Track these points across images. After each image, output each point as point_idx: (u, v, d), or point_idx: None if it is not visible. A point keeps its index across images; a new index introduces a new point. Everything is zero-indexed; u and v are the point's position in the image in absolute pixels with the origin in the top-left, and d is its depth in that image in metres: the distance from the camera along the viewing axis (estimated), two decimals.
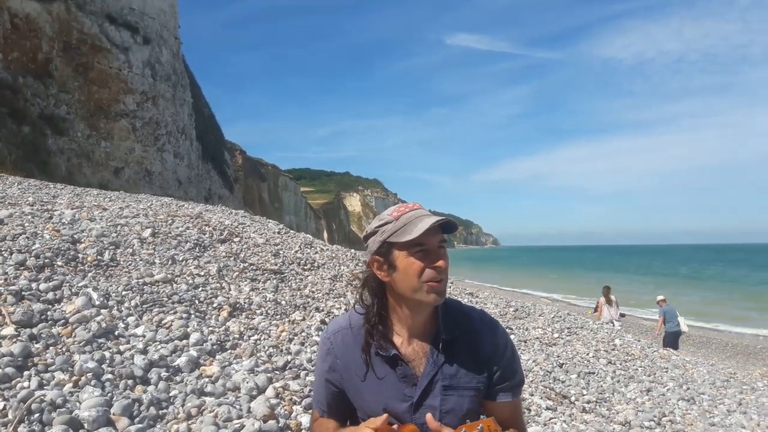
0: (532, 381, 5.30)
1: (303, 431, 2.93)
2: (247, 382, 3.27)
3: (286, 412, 3.10)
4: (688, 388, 6.41)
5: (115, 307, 3.95)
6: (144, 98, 25.36)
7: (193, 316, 4.19)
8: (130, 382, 2.99)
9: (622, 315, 14.72)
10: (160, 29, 27.40)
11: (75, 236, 5.24)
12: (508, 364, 1.63)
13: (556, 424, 4.27)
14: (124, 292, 4.24)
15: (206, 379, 3.27)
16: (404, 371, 1.56)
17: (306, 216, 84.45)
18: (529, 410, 4.45)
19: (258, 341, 4.10)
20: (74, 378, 2.86)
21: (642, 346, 8.48)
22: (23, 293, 3.72)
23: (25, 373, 2.82)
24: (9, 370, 2.77)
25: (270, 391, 3.26)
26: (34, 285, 3.90)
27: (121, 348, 3.36)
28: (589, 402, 5.12)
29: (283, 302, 5.18)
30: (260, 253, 6.68)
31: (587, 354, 7.00)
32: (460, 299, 1.77)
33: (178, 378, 3.22)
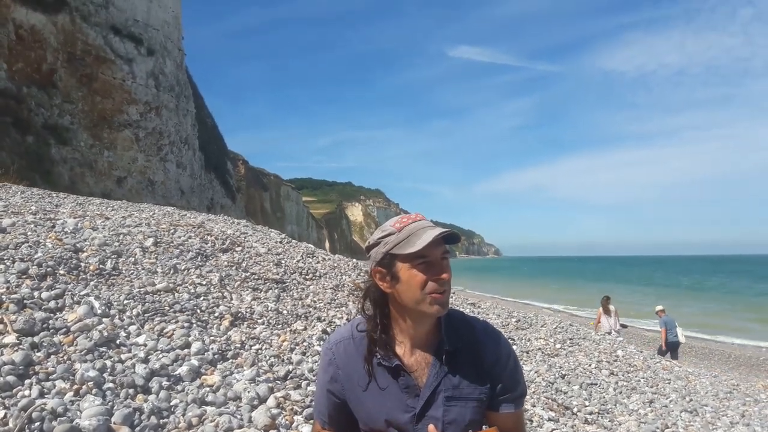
0: (534, 392, 5.28)
1: None
2: (249, 392, 3.26)
3: (287, 422, 3.09)
4: (691, 400, 6.38)
5: (117, 316, 3.95)
6: (147, 108, 25.47)
7: (194, 325, 4.18)
8: (131, 391, 2.99)
9: (624, 326, 14.66)
10: (164, 40, 27.55)
11: (77, 245, 5.25)
12: (511, 375, 1.63)
13: None
14: (125, 301, 4.25)
15: (207, 389, 3.26)
16: (407, 382, 1.56)
17: (308, 225, 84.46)
18: (531, 421, 4.43)
19: (259, 351, 4.09)
20: (75, 387, 2.85)
21: (644, 357, 8.44)
22: (25, 302, 3.72)
23: (26, 381, 2.82)
24: (10, 378, 2.77)
25: (271, 401, 3.25)
26: (36, 293, 3.91)
27: (123, 357, 3.36)
28: (591, 413, 5.10)
29: (285, 312, 5.18)
30: (262, 263, 6.68)
31: (589, 365, 6.98)
32: (462, 309, 1.77)
33: (179, 387, 3.22)
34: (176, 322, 4.14)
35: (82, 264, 4.82)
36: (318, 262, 7.74)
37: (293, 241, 9.58)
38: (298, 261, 7.41)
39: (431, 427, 1.47)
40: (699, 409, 6.04)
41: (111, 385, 2.97)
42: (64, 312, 3.78)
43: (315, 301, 5.82)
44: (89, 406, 2.67)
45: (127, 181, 23.70)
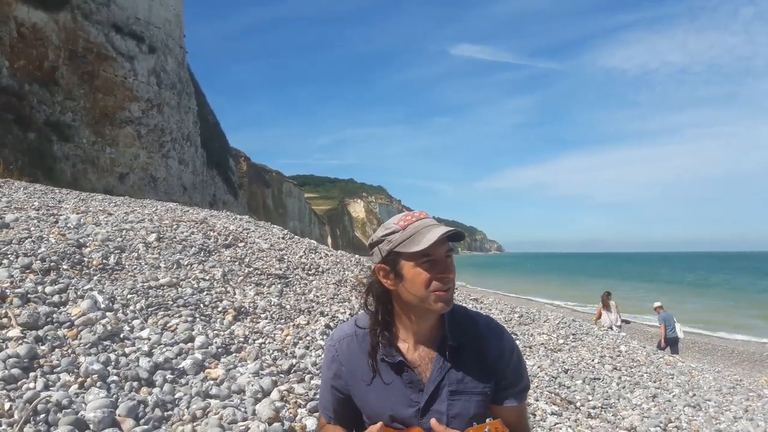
0: (537, 386, 5.29)
1: None
2: (252, 385, 3.26)
3: (290, 414, 3.10)
4: (694, 395, 6.38)
5: (121, 310, 3.96)
6: (149, 106, 25.51)
7: (198, 319, 4.19)
8: (135, 383, 3.00)
9: (627, 321, 14.68)
10: (166, 38, 27.58)
11: (80, 240, 5.26)
12: (515, 370, 1.63)
13: (561, 429, 4.25)
14: (129, 296, 4.25)
15: (211, 382, 3.27)
16: (410, 377, 1.57)
17: (310, 222, 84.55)
18: (534, 415, 4.43)
19: (263, 345, 4.10)
20: (80, 379, 2.86)
21: (648, 353, 8.44)
22: (29, 296, 3.73)
23: (31, 374, 2.83)
24: (15, 371, 2.78)
25: (275, 394, 3.26)
26: (39, 288, 3.92)
27: (127, 350, 3.36)
28: (594, 407, 5.10)
29: (288, 306, 5.18)
30: (265, 258, 6.68)
31: (592, 360, 6.98)
32: (465, 305, 1.78)
33: (183, 380, 3.23)
34: (180, 316, 4.15)
35: (86, 259, 4.83)
36: (320, 258, 7.75)
37: (296, 236, 9.59)
38: (300, 256, 7.42)
39: (433, 421, 1.48)
40: (702, 404, 6.04)
41: (115, 378, 2.98)
42: (67, 306, 3.79)
43: (318, 296, 5.82)
44: (94, 398, 2.68)
45: (129, 178, 23.75)
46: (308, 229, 76.40)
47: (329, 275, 6.87)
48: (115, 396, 2.80)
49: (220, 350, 3.75)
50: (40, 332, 3.27)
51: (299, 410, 3.19)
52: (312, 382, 3.59)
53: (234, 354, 3.80)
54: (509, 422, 1.57)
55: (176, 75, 28.58)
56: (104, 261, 4.91)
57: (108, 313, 3.78)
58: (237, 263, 6.11)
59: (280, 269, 6.38)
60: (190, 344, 3.70)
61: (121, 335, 3.57)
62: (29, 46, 19.29)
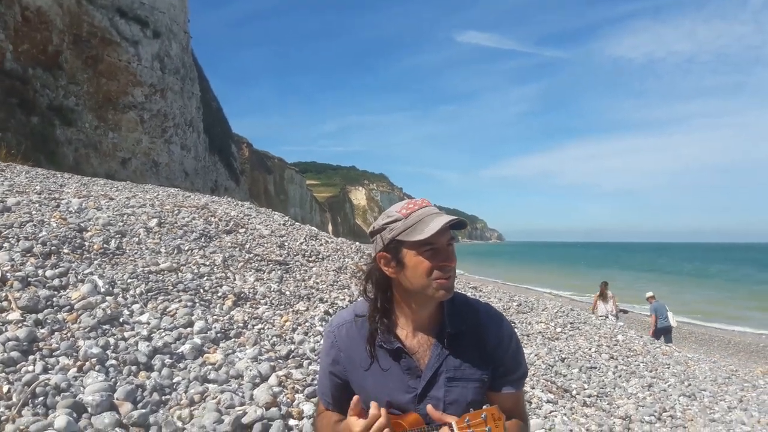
0: (533, 374, 5.32)
1: (305, 419, 2.96)
2: (251, 370, 3.29)
3: (288, 399, 3.13)
4: (690, 385, 6.41)
5: (121, 295, 3.99)
6: (152, 91, 25.43)
7: (197, 304, 4.22)
8: (134, 368, 3.03)
9: (624, 311, 14.75)
10: (170, 23, 27.43)
11: (81, 224, 5.28)
12: (513, 357, 1.65)
13: (556, 417, 4.28)
14: (129, 280, 4.28)
15: (209, 367, 3.30)
16: (408, 363, 1.58)
17: (311, 209, 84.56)
18: (531, 403, 4.47)
19: (262, 330, 4.13)
20: (79, 363, 2.89)
21: (644, 342, 8.48)
22: (29, 279, 3.76)
23: (30, 357, 2.86)
24: (14, 354, 2.81)
25: (273, 379, 3.29)
26: (40, 272, 3.94)
27: (126, 335, 3.39)
28: (590, 396, 5.13)
29: (288, 293, 5.21)
30: (265, 244, 6.71)
31: (589, 349, 7.01)
32: (464, 293, 1.80)
33: (181, 365, 3.26)
34: (179, 301, 4.17)
35: (86, 243, 4.85)
36: (321, 245, 7.77)
37: (296, 223, 9.60)
38: (301, 243, 7.44)
39: (430, 407, 1.49)
40: (697, 393, 6.08)
41: (114, 362, 3.01)
42: (68, 290, 3.82)
43: (318, 283, 5.85)
44: (92, 382, 2.71)
45: (131, 163, 23.73)
46: (309, 216, 76.45)
47: (329, 262, 6.89)
48: (113, 380, 2.83)
49: (219, 335, 3.78)
50: (40, 316, 3.30)
51: (297, 395, 3.22)
52: (310, 367, 3.62)
53: (233, 339, 3.83)
54: (506, 409, 1.58)
55: (180, 60, 28.47)
56: (105, 245, 4.93)
57: (108, 298, 3.81)
58: (237, 249, 6.14)
59: (281, 255, 6.40)
60: (189, 329, 3.73)
61: (121, 319, 3.60)
62: (33, 30, 19.21)
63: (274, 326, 4.28)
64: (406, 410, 1.57)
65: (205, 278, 4.89)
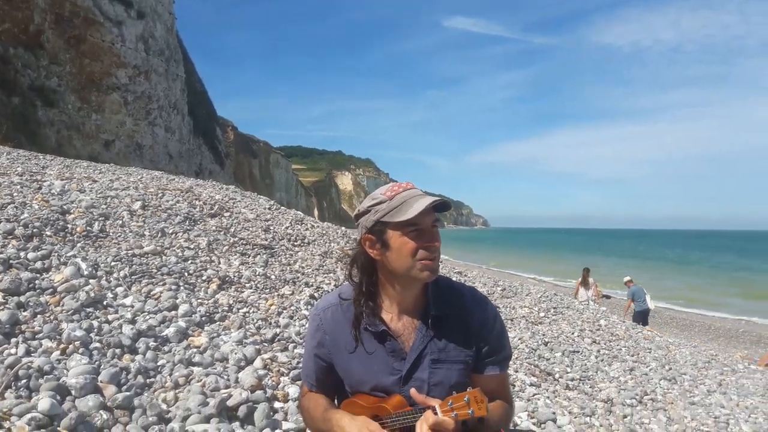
0: (517, 358, 5.37)
1: (290, 402, 2.97)
2: (236, 353, 3.29)
3: (273, 382, 3.13)
4: (670, 368, 6.52)
5: (104, 278, 3.95)
6: (136, 72, 25.12)
7: (182, 287, 4.20)
8: (117, 350, 3.01)
9: (607, 297, 14.97)
10: (155, 4, 27.05)
11: (64, 207, 5.22)
12: (497, 339, 1.66)
13: (539, 400, 4.33)
14: (113, 263, 4.24)
15: (194, 350, 3.29)
16: (393, 346, 1.59)
17: (297, 193, 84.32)
18: (514, 386, 4.51)
19: (247, 314, 4.12)
20: (62, 346, 2.87)
21: (626, 327, 8.59)
22: (11, 262, 3.71)
23: (13, 340, 2.83)
24: None
25: (258, 363, 3.29)
26: (22, 254, 3.90)
27: (110, 317, 3.37)
28: (572, 380, 5.20)
29: (273, 277, 5.20)
30: (250, 228, 6.68)
31: (572, 333, 7.09)
32: (449, 277, 1.81)
33: (166, 348, 3.24)
34: (164, 284, 4.15)
35: (69, 226, 4.80)
36: (307, 229, 7.76)
37: (282, 207, 9.57)
38: (286, 227, 7.42)
39: (413, 390, 1.50)
40: (678, 377, 6.18)
41: (98, 344, 2.99)
42: (50, 273, 3.77)
43: (303, 267, 5.84)
44: (76, 364, 2.69)
45: (114, 145, 23.48)
46: (295, 201, 76.24)
47: (315, 246, 6.88)
48: (97, 363, 2.81)
49: (203, 319, 3.77)
50: (22, 298, 3.27)
51: (282, 378, 3.22)
52: (295, 351, 3.63)
53: (218, 323, 3.82)
54: (491, 390, 1.60)
55: (165, 41, 28.12)
56: (88, 228, 4.88)
57: (91, 280, 3.78)
58: (222, 233, 6.11)
59: (266, 240, 6.38)
60: (173, 312, 3.71)
61: (104, 302, 3.57)
62: (14, 9, 18.85)
63: (259, 310, 4.27)
64: (391, 392, 1.58)
65: (189, 261, 4.86)
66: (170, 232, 5.58)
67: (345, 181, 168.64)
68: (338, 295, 1.72)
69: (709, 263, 55.49)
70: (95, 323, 3.21)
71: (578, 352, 6.23)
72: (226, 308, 4.10)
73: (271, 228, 7.05)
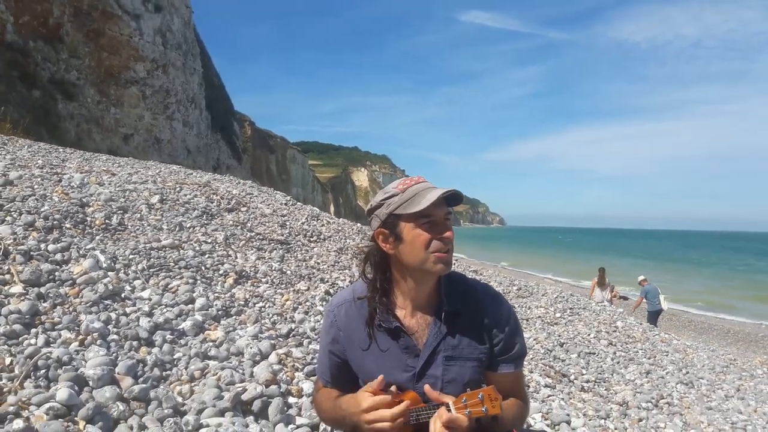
0: (532, 358, 5.34)
1: (304, 397, 2.97)
2: (251, 348, 3.30)
3: (288, 377, 3.14)
4: (687, 372, 6.44)
5: (122, 270, 3.99)
6: (154, 66, 25.28)
7: (199, 281, 4.23)
8: (135, 343, 3.04)
9: (625, 298, 14.86)
10: None
11: (83, 200, 5.27)
12: (510, 336, 1.65)
13: (554, 401, 4.31)
14: (131, 256, 4.28)
15: (210, 343, 3.31)
16: (406, 342, 1.59)
17: (313, 189, 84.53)
18: (529, 387, 4.49)
19: (263, 309, 4.14)
20: (80, 337, 2.90)
21: (644, 329, 8.51)
22: (32, 253, 3.76)
23: (32, 330, 2.87)
24: (17, 326, 2.82)
25: (273, 357, 3.30)
26: (42, 246, 3.94)
27: (127, 310, 3.40)
28: (588, 381, 5.16)
29: (289, 272, 5.22)
30: (267, 224, 6.71)
31: (588, 334, 7.03)
32: (463, 273, 1.80)
33: (182, 341, 3.27)
34: (181, 278, 4.18)
35: (88, 218, 4.85)
36: (322, 225, 7.77)
37: (298, 203, 9.60)
38: (302, 223, 7.44)
39: (427, 387, 1.50)
40: (695, 381, 6.10)
41: (115, 336, 3.02)
42: (70, 264, 3.82)
43: (318, 263, 5.86)
44: (94, 356, 2.71)
45: (133, 139, 23.69)
46: (311, 196, 76.44)
47: (330, 243, 6.90)
48: (114, 354, 2.84)
49: (220, 313, 3.79)
50: (42, 289, 3.31)
51: (296, 374, 3.23)
52: (310, 346, 3.63)
53: (234, 317, 3.84)
54: (505, 388, 1.59)
55: (182, 35, 28.28)
56: (107, 221, 4.93)
57: (110, 273, 3.82)
58: (239, 227, 6.14)
59: (282, 235, 6.40)
60: (190, 306, 3.74)
61: (122, 295, 3.60)
62: (34, 2, 19.04)
63: (274, 305, 4.28)
64: (405, 389, 1.58)
65: (206, 256, 4.89)
66: (188, 226, 5.62)
67: (361, 178, 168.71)
68: (352, 291, 1.72)
69: (728, 266, 54.79)
70: (113, 315, 3.24)
71: (594, 353, 6.18)
72: (242, 303, 4.12)
73: (288, 223, 7.07)
